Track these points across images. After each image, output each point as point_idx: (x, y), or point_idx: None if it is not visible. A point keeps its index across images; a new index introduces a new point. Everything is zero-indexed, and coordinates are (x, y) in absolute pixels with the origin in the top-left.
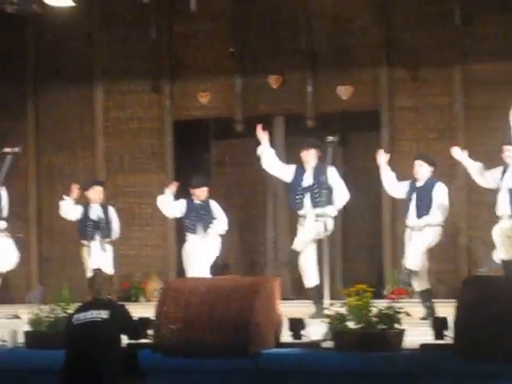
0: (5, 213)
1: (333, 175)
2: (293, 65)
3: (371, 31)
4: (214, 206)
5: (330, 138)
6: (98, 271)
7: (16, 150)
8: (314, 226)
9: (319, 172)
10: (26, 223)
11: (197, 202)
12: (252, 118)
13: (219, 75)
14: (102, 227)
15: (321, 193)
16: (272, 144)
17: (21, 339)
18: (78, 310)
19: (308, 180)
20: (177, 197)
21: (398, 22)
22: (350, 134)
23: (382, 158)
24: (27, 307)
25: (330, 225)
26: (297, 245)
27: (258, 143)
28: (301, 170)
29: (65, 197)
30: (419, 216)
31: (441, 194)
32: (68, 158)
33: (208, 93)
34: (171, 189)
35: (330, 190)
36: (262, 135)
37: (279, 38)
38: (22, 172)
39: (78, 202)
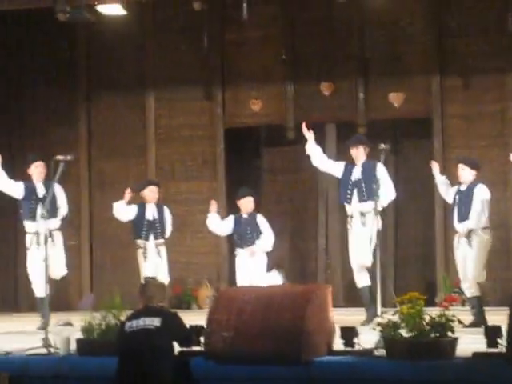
0: (61, 212)
1: (381, 172)
2: (345, 72)
3: (423, 38)
4: (261, 222)
5: (382, 146)
6: (149, 279)
7: (68, 157)
8: (361, 226)
9: (368, 168)
10: (78, 230)
11: (244, 216)
12: None
13: (271, 82)
14: (157, 227)
15: (368, 188)
16: (324, 151)
17: (73, 346)
18: (130, 318)
19: (356, 175)
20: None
21: (450, 29)
22: (401, 141)
23: (435, 166)
24: (79, 314)
25: (377, 221)
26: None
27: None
28: (350, 166)
29: (120, 201)
30: (460, 220)
31: (480, 197)
32: (120, 165)
33: (260, 100)
34: (213, 210)
35: (377, 185)
36: (308, 133)
37: (331, 44)
38: (73, 179)
39: (131, 203)
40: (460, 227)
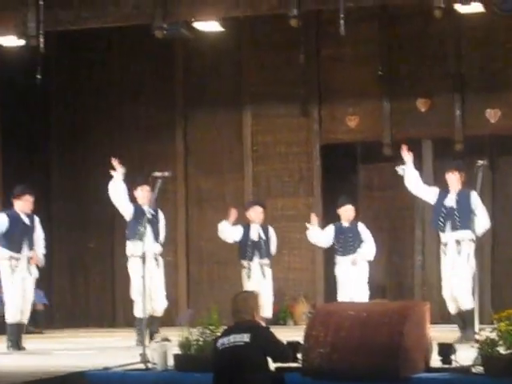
0: (162, 237)
1: (476, 201)
2: (441, 88)
3: None
4: (363, 230)
5: (480, 162)
6: (240, 293)
7: (166, 174)
8: (457, 255)
9: (463, 196)
10: (175, 246)
11: (345, 224)
12: (400, 141)
13: (367, 99)
14: (262, 247)
15: (462, 217)
16: (420, 168)
17: (171, 362)
18: (222, 335)
19: (451, 203)
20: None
21: None
22: (498, 157)
23: None
24: (177, 330)
25: (471, 250)
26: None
27: (401, 165)
28: (444, 193)
29: (224, 221)
30: None
31: None
32: (216, 181)
33: (356, 116)
34: (313, 224)
35: (471, 214)
36: (407, 156)
37: (427, 61)
38: (171, 196)
39: (236, 223)
40: None
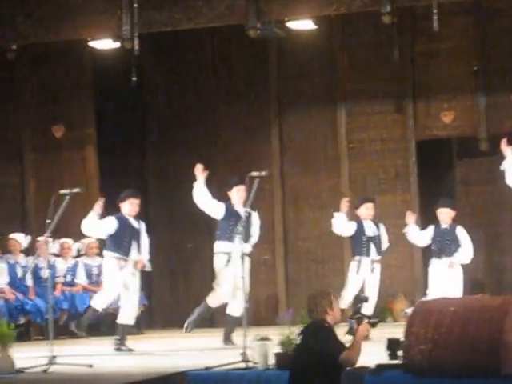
0: (251, 241)
1: None
2: None
3: None
4: (461, 234)
5: None
6: (313, 293)
7: (263, 173)
8: None
9: None
10: (272, 245)
11: (443, 226)
12: (496, 136)
13: (462, 94)
14: (377, 243)
15: None
16: None
17: (271, 361)
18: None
19: None
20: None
21: None
22: None
23: None
24: (277, 329)
25: None
26: None
27: (503, 161)
28: None
29: (339, 212)
30: None
31: None
32: (312, 179)
33: (451, 112)
34: (410, 221)
35: None
36: (507, 150)
37: None
38: (267, 195)
39: (350, 218)
40: None
